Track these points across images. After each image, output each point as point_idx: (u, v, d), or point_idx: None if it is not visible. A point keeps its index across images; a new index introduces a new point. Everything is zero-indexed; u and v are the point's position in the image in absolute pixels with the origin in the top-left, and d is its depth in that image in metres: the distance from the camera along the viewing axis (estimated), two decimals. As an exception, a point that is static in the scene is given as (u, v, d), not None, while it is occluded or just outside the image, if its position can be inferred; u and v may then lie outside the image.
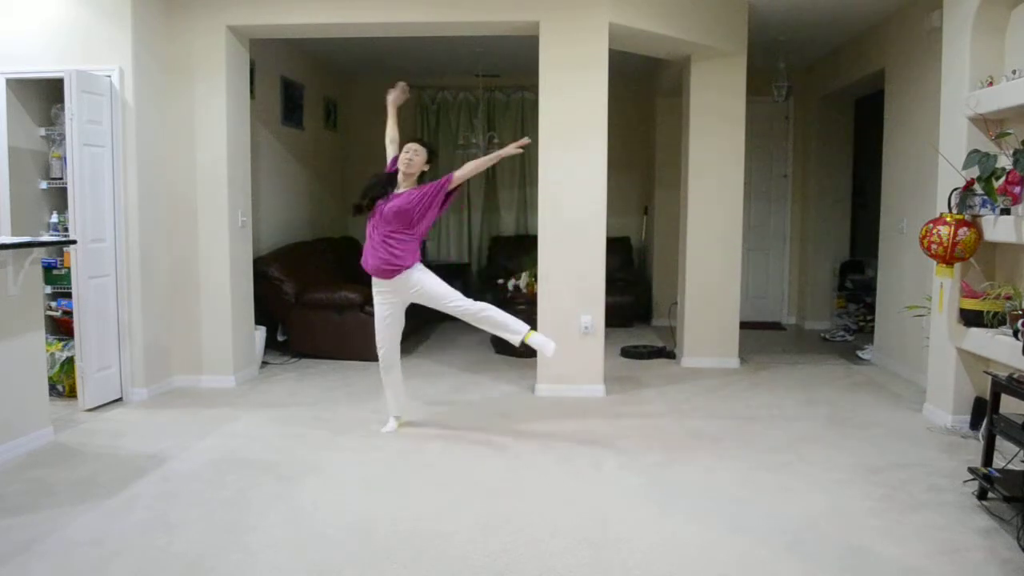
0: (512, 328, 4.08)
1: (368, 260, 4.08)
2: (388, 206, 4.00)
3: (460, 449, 3.94)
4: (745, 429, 4.30)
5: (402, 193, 4.05)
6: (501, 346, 6.39)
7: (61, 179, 4.78)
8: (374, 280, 4.13)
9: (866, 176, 7.63)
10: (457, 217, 8.76)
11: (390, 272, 4.02)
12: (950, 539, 2.87)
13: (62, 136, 4.68)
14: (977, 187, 3.91)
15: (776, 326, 7.89)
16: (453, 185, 4.05)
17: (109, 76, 4.64)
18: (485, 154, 8.02)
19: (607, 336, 5.39)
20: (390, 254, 3.98)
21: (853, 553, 2.76)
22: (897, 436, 4.16)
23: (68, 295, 4.65)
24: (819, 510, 3.15)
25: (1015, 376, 3.16)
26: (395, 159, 4.17)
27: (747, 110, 5.80)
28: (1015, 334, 3.60)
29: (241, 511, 3.12)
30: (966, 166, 3.91)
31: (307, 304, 6.00)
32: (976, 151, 3.86)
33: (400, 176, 4.10)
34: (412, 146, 4.10)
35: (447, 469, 3.66)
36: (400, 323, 4.22)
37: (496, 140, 8.21)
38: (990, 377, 3.29)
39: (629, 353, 6.34)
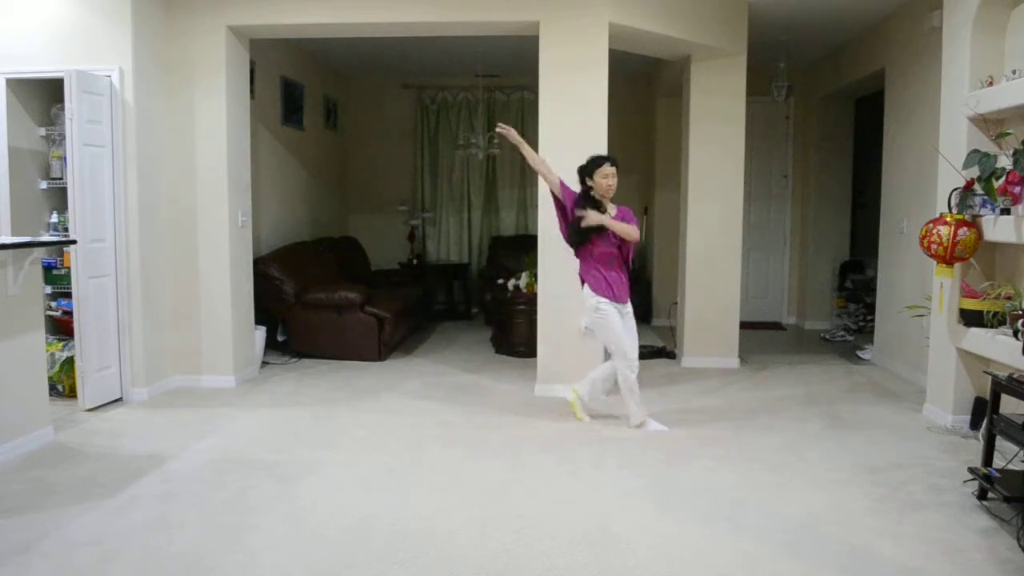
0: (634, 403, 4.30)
1: (623, 290, 4.23)
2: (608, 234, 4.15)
3: (460, 449, 3.94)
4: (745, 429, 4.30)
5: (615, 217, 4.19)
6: (501, 346, 6.39)
7: (61, 179, 4.78)
8: (611, 302, 4.18)
9: (866, 176, 7.63)
10: (457, 217, 8.76)
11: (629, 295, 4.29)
12: (950, 539, 2.87)
13: (62, 136, 4.68)
14: (977, 187, 3.91)
15: (776, 326, 7.89)
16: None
17: (109, 76, 4.63)
18: (485, 154, 8.10)
19: (607, 336, 5.39)
20: (628, 280, 4.23)
21: (853, 553, 2.76)
22: (897, 436, 4.16)
23: (68, 295, 4.65)
24: (819, 510, 3.15)
25: (1015, 376, 3.15)
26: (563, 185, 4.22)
27: (747, 110, 5.80)
28: (1015, 334, 3.60)
29: (241, 511, 3.12)
30: (966, 166, 3.91)
31: (307, 304, 6.00)
32: (976, 151, 3.86)
33: (599, 197, 4.15)
34: (611, 170, 4.12)
35: (447, 469, 3.66)
36: None
37: (496, 140, 8.22)
38: (990, 377, 3.30)
39: (629, 353, 6.32)
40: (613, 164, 4.13)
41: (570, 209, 4.16)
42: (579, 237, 4.15)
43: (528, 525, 2.99)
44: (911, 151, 5.47)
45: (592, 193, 4.16)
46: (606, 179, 4.09)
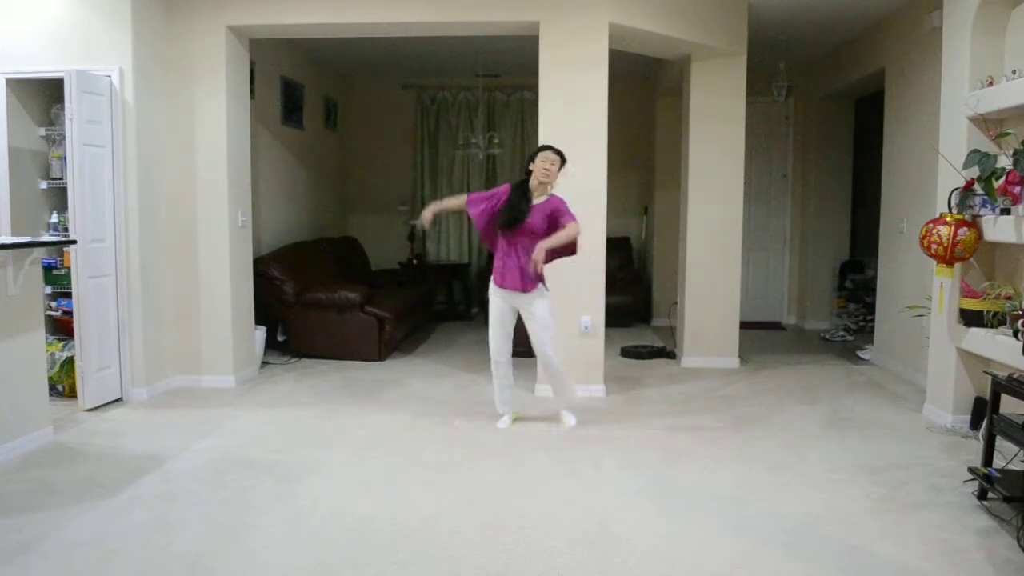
0: (567, 390, 4.38)
1: (507, 276, 4.13)
2: (529, 221, 4.07)
3: (460, 449, 3.94)
4: (745, 429, 4.30)
5: (536, 206, 4.09)
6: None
7: (61, 179, 4.78)
8: (496, 288, 4.20)
9: (866, 176, 7.63)
10: (457, 217, 8.75)
11: (532, 286, 4.12)
12: (950, 539, 2.87)
13: (62, 136, 4.68)
14: (977, 187, 3.91)
15: (776, 326, 7.89)
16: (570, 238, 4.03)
17: (109, 76, 4.63)
18: (485, 154, 8.11)
19: (607, 336, 5.39)
20: (532, 270, 4.05)
21: (852, 553, 2.76)
22: (897, 436, 4.16)
23: (68, 295, 4.65)
24: (819, 510, 3.15)
25: (1015, 376, 3.16)
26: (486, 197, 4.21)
27: (747, 110, 5.80)
28: (1015, 334, 3.60)
29: (241, 511, 3.12)
30: (966, 166, 3.91)
31: (307, 304, 6.01)
32: (976, 151, 3.86)
33: (534, 184, 4.10)
34: (549, 155, 4.09)
35: (447, 469, 3.66)
36: (512, 322, 4.31)
37: (496, 140, 8.23)
38: (990, 377, 3.30)
39: (629, 353, 6.33)
40: (556, 152, 4.12)
41: (489, 199, 4.16)
42: (510, 224, 4.09)
43: (528, 525, 2.99)
44: (911, 151, 5.47)
45: (529, 181, 4.12)
46: (544, 163, 4.08)
